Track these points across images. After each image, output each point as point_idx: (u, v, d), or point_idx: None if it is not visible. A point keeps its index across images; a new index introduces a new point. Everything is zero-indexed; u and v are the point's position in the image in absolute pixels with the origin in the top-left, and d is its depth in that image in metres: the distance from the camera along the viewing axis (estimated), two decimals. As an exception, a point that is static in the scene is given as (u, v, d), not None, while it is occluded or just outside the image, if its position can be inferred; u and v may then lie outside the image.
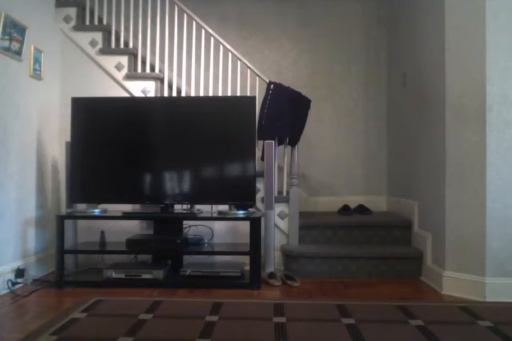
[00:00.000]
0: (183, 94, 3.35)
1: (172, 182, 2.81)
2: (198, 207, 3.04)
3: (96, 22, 3.30)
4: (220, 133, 2.81)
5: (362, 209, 3.69)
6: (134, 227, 3.18)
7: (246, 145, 2.80)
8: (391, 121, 3.89)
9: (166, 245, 2.78)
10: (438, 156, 2.67)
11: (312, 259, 2.95)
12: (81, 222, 3.12)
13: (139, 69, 3.24)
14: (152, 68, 3.46)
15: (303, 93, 3.23)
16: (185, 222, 3.01)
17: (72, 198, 2.86)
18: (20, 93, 2.75)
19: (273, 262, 2.88)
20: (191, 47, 3.31)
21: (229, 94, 3.44)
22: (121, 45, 3.28)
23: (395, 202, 3.68)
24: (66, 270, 2.78)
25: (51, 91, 3.14)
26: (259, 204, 3.16)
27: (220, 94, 3.27)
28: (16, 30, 2.64)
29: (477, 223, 2.44)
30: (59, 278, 2.67)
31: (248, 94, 3.34)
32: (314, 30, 4.04)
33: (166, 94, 3.31)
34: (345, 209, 3.71)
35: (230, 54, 3.28)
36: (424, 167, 2.94)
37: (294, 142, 3.21)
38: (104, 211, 2.92)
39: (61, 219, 2.71)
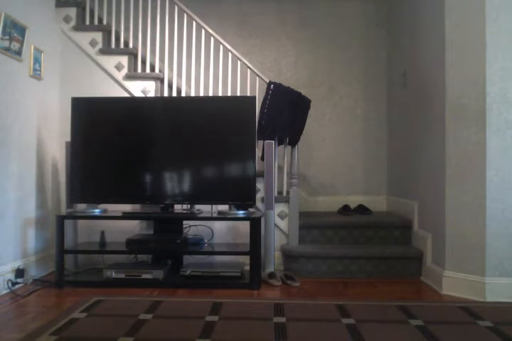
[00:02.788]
0: (183, 94, 3.35)
1: (172, 182, 2.81)
2: (198, 207, 3.04)
3: (96, 22, 3.30)
4: (220, 133, 2.81)
5: (362, 209, 3.69)
6: (134, 227, 3.18)
7: (246, 145, 2.80)
8: (391, 121, 3.89)
9: (166, 245, 2.78)
10: (438, 156, 2.67)
11: (312, 259, 2.95)
12: (81, 222, 3.12)
13: (139, 69, 3.24)
14: (152, 68, 3.47)
15: (303, 93, 3.23)
16: (185, 222, 3.01)
17: (72, 198, 2.86)
18: (20, 93, 2.75)
19: (273, 262, 2.88)
20: (191, 47, 3.31)
21: (229, 94, 3.44)
22: (121, 45, 3.28)
23: (395, 202, 3.68)
24: (66, 270, 2.78)
25: (51, 92, 3.14)
26: (259, 204, 3.16)
27: (220, 94, 3.27)
28: (16, 30, 2.64)
29: (477, 223, 2.44)
30: (59, 278, 2.67)
31: (248, 94, 3.33)
32: (314, 30, 4.04)
33: (166, 94, 3.31)
34: (345, 209, 3.71)
35: (230, 54, 3.28)
36: (424, 167, 2.94)
37: (294, 142, 3.22)
38: (104, 211, 2.92)
39: (61, 219, 2.71)
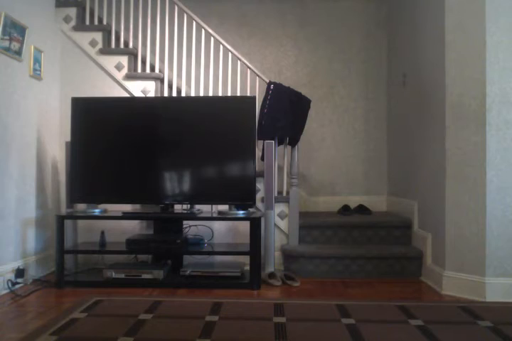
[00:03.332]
0: (183, 94, 3.35)
1: (172, 182, 2.81)
2: (198, 207, 3.04)
3: (96, 22, 3.30)
4: (220, 133, 2.81)
5: (362, 209, 3.69)
6: (134, 227, 3.18)
7: (246, 145, 2.80)
8: (391, 121, 3.89)
9: (166, 245, 2.77)
10: (438, 156, 2.67)
11: (312, 259, 2.95)
12: (81, 222, 3.12)
13: (139, 69, 3.24)
14: (152, 68, 3.47)
15: (303, 93, 3.23)
16: (185, 222, 3.01)
17: (72, 198, 2.86)
18: (20, 93, 2.75)
19: (273, 262, 2.88)
20: (191, 47, 3.31)
21: (229, 94, 3.44)
22: (121, 45, 3.28)
23: (395, 202, 3.68)
24: (66, 270, 2.78)
25: (51, 92, 3.14)
26: (259, 204, 3.16)
27: (220, 94, 3.27)
28: (16, 30, 2.64)
29: (477, 223, 2.44)
30: (59, 278, 2.67)
31: (248, 94, 3.33)
32: (314, 30, 4.04)
33: (166, 94, 3.31)
34: (345, 209, 3.71)
35: (230, 54, 3.28)
36: (424, 167, 2.94)
37: (294, 142, 3.22)
38: (104, 211, 2.92)
39: (61, 219, 2.71)
